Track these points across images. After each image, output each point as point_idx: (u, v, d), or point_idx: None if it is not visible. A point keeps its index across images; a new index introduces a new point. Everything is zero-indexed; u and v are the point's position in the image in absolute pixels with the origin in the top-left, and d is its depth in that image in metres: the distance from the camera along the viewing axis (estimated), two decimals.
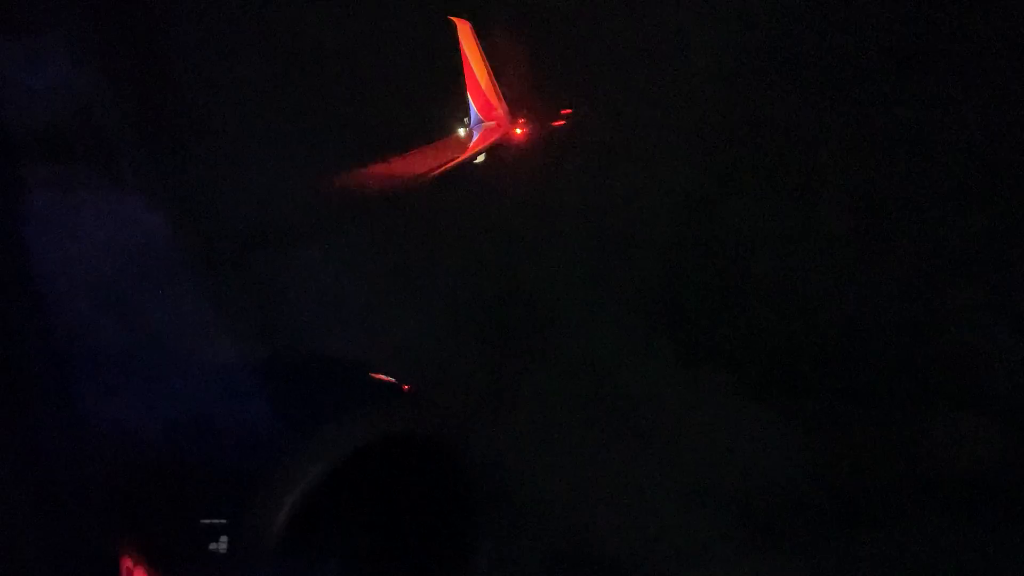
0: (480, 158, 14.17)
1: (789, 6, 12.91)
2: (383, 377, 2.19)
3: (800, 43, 12.82)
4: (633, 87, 13.48)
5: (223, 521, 1.81)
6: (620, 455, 8.95)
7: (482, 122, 14.47)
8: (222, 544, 1.79)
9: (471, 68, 14.33)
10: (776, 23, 12.90)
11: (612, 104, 13.71)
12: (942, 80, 12.27)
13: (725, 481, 8.82)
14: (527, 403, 9.51)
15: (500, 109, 14.51)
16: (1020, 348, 10.21)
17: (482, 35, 14.25)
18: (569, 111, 14.10)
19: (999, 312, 10.62)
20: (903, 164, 12.26)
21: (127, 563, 1.93)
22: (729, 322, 11.22)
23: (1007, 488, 8.67)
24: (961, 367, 10.13)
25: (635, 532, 8.18)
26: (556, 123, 14.18)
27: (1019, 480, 8.72)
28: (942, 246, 11.40)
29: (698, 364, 10.31)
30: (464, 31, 14.19)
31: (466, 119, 14.63)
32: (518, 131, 14.48)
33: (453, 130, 14.72)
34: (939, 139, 12.07)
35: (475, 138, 14.47)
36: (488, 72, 14.38)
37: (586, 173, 13.19)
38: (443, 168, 13.66)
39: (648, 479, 8.66)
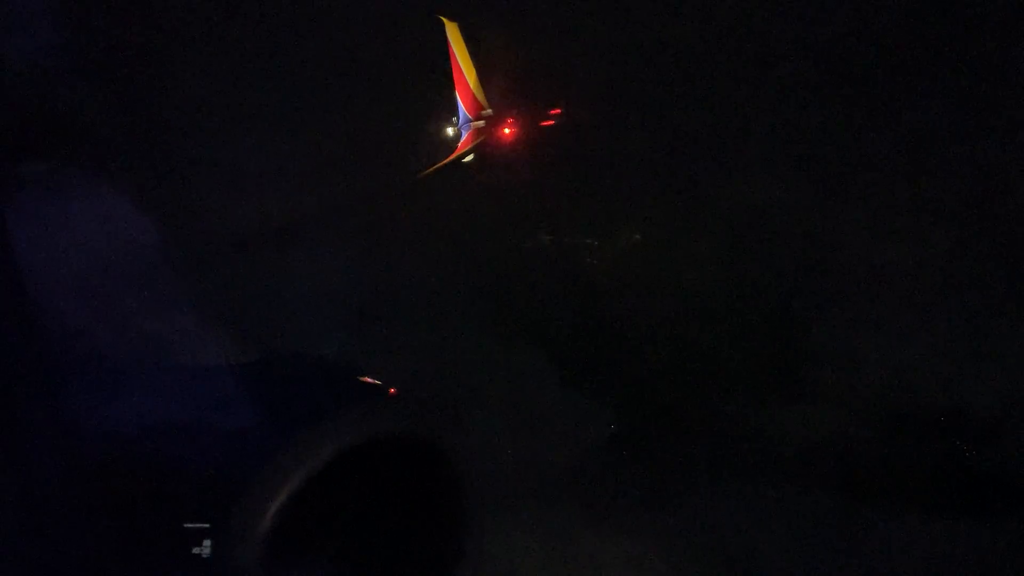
0: (469, 158, 14.15)
1: (777, 4, 12.95)
2: (369, 380, 2.19)
3: (789, 40, 12.85)
4: (621, 87, 13.50)
5: (206, 525, 1.80)
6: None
7: (470, 121, 14.43)
8: (205, 548, 1.78)
9: (460, 68, 14.30)
10: (762, 21, 12.93)
11: (600, 104, 13.72)
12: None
13: (545, 453, 9.81)
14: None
15: (489, 109, 14.47)
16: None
17: (471, 35, 14.23)
18: (557, 111, 14.08)
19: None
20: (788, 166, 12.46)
21: None
22: (555, 315, 11.89)
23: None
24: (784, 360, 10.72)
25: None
26: (544, 123, 14.16)
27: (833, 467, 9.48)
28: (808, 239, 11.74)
29: (521, 352, 11.06)
30: (453, 31, 14.17)
31: (455, 119, 14.60)
32: (506, 131, 14.44)
33: (442, 130, 14.70)
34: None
35: (463, 137, 14.45)
36: (476, 72, 14.35)
37: (573, 173, 13.24)
38: (432, 168, 13.63)
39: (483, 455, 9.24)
